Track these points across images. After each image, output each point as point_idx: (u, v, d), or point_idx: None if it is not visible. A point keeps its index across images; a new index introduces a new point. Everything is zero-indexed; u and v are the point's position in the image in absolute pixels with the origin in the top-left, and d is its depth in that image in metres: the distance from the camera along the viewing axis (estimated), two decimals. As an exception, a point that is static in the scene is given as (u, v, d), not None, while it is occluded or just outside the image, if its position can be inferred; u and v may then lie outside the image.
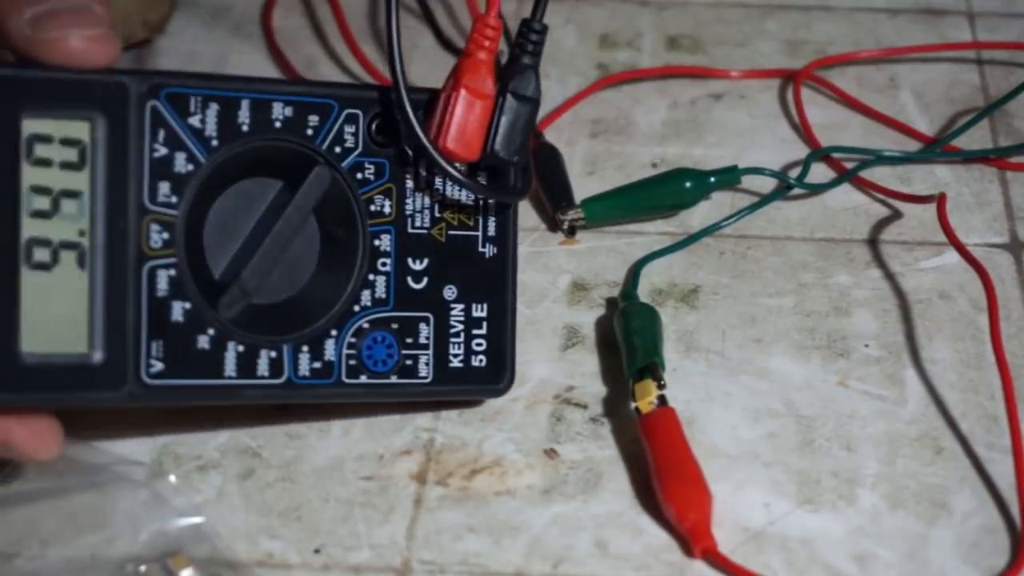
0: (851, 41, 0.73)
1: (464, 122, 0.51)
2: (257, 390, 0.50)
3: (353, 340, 0.51)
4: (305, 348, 0.51)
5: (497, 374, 0.54)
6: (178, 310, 0.49)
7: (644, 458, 0.52)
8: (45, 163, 0.47)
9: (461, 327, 0.53)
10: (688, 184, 0.63)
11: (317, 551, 0.50)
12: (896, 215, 0.64)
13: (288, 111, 0.50)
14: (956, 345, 0.58)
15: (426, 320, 0.53)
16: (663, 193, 0.63)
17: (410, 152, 0.52)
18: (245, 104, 0.50)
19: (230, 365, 0.50)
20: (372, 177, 0.52)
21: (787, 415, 0.55)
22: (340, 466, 0.53)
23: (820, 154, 0.66)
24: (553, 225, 0.63)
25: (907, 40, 0.73)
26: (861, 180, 0.65)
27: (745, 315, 0.59)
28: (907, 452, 0.54)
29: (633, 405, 0.54)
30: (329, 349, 0.51)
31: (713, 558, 0.50)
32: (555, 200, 0.63)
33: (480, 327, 0.54)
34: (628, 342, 0.56)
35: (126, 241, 0.48)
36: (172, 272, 0.48)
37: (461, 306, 0.53)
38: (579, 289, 0.60)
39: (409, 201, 0.52)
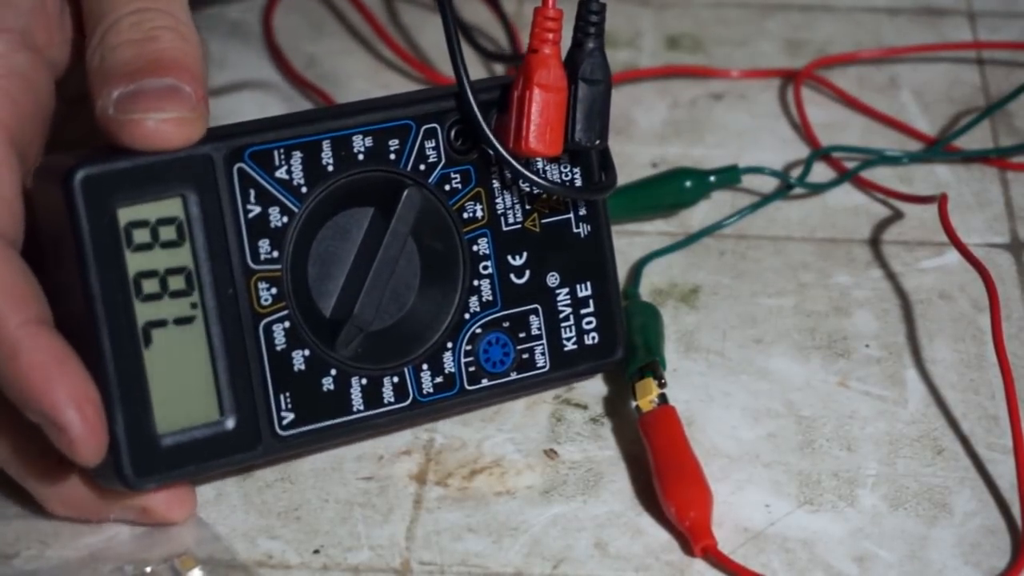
0: (851, 41, 0.73)
1: (543, 120, 0.51)
2: (386, 417, 0.51)
3: (469, 348, 0.52)
4: (425, 367, 0.51)
5: (611, 346, 0.54)
6: (299, 359, 0.49)
7: (644, 458, 0.52)
8: (146, 247, 0.47)
9: (570, 310, 0.54)
10: (688, 183, 0.63)
11: (316, 551, 0.50)
12: (896, 215, 0.64)
13: (368, 141, 0.50)
14: (957, 345, 0.58)
15: (535, 311, 0.53)
16: (663, 192, 0.63)
17: (492, 153, 0.52)
18: (326, 145, 0.50)
19: (357, 399, 0.50)
20: (460, 186, 0.52)
21: (787, 415, 0.55)
22: (339, 466, 0.53)
23: (821, 153, 0.66)
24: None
25: (907, 40, 0.73)
26: (862, 180, 0.65)
27: (745, 315, 0.59)
28: (908, 452, 0.53)
29: (634, 404, 0.54)
30: (448, 362, 0.52)
31: (713, 557, 0.49)
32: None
33: (587, 306, 0.54)
34: (629, 340, 0.56)
35: (237, 305, 0.48)
36: (286, 324, 0.49)
37: (566, 290, 0.54)
38: (579, 289, 0.60)
39: (499, 200, 0.53)
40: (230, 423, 0.48)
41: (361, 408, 0.51)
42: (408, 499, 0.52)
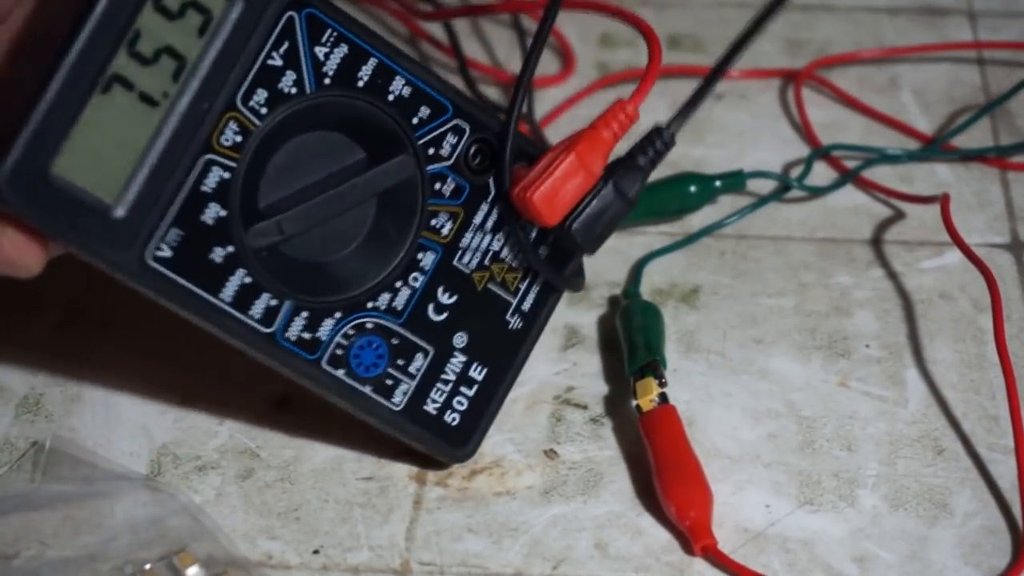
0: (852, 41, 0.73)
1: (560, 185, 0.50)
2: (242, 327, 0.48)
3: (351, 333, 0.50)
4: (304, 314, 0.49)
5: (464, 440, 0.52)
6: (212, 212, 0.47)
7: (644, 458, 0.52)
8: (167, 15, 0.46)
9: (453, 378, 0.52)
10: (693, 188, 0.63)
11: (316, 552, 0.50)
12: (897, 215, 0.63)
13: (406, 90, 0.50)
14: (957, 345, 0.57)
15: (425, 353, 0.51)
16: (669, 197, 0.63)
17: (492, 190, 0.51)
18: (372, 62, 0.49)
19: (230, 290, 0.48)
20: (447, 193, 0.51)
21: (788, 416, 0.55)
22: (339, 467, 0.53)
23: (822, 153, 0.66)
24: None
25: (908, 40, 0.73)
26: (862, 180, 0.65)
27: (746, 315, 0.59)
28: (908, 453, 0.53)
29: (634, 403, 0.53)
30: (325, 327, 0.50)
31: (714, 557, 0.49)
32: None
33: (470, 388, 0.52)
34: (630, 340, 0.56)
35: (200, 125, 0.47)
36: (226, 175, 0.47)
37: (463, 359, 0.52)
38: (579, 289, 0.60)
39: (468, 235, 0.51)
40: (117, 212, 0.46)
41: (228, 301, 0.48)
42: (408, 499, 0.52)
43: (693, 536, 0.50)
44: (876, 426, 0.54)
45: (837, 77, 0.71)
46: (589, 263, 0.61)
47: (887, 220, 0.63)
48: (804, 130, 0.68)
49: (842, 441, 0.54)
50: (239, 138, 0.47)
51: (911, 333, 0.58)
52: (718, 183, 0.63)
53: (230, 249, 0.48)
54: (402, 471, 0.53)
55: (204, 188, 0.47)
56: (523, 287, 0.53)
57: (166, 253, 0.47)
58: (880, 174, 0.65)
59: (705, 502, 0.50)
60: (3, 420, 0.55)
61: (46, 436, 0.54)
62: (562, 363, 0.57)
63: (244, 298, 0.48)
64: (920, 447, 0.54)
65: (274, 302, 0.49)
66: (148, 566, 0.49)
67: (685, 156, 0.66)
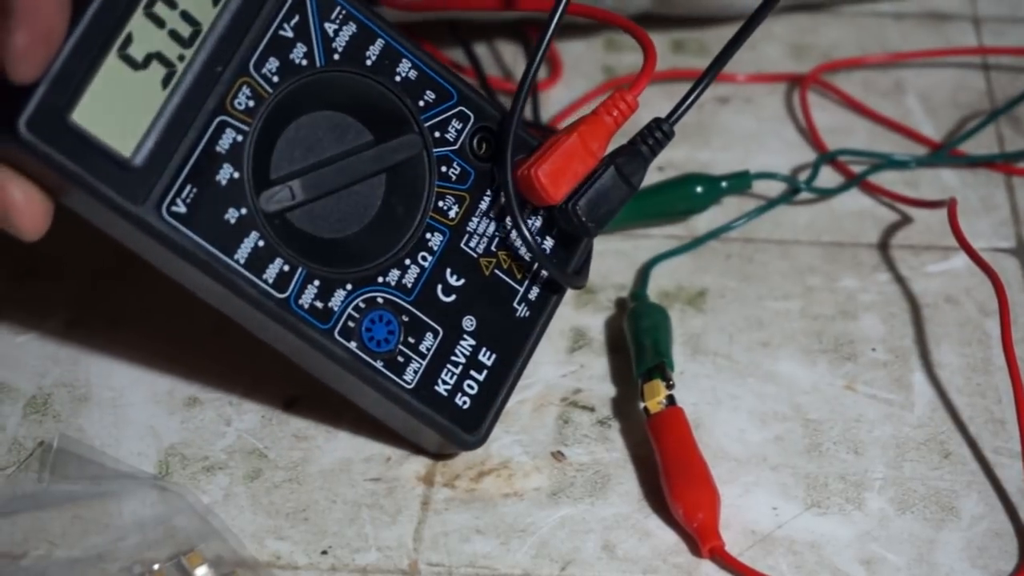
0: (857, 46, 0.73)
1: (564, 163, 0.51)
2: (255, 290, 0.49)
3: (362, 305, 0.50)
4: (317, 282, 0.50)
5: (475, 424, 0.52)
6: (225, 173, 0.48)
7: (652, 460, 0.52)
8: None
9: (463, 360, 0.52)
10: (699, 189, 0.63)
11: (324, 552, 0.50)
12: (903, 219, 0.64)
13: (412, 73, 0.51)
14: (963, 349, 0.58)
15: (435, 332, 0.52)
16: (675, 198, 0.63)
17: (497, 176, 0.52)
18: (380, 43, 0.51)
19: (244, 251, 0.48)
20: (454, 177, 0.52)
21: (794, 418, 0.55)
22: (347, 467, 0.53)
23: (829, 157, 0.66)
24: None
25: (913, 45, 0.73)
26: (868, 184, 0.65)
27: (752, 318, 0.59)
28: (914, 456, 0.54)
29: (642, 405, 0.54)
30: (337, 297, 0.50)
31: (721, 559, 0.50)
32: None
33: (480, 372, 0.52)
34: (637, 342, 0.56)
35: (213, 87, 0.48)
36: (239, 137, 0.48)
37: (472, 342, 0.52)
38: (586, 291, 0.60)
39: (475, 220, 0.52)
40: (134, 164, 0.47)
41: (240, 261, 0.48)
42: (416, 500, 0.52)
43: (701, 538, 0.50)
44: (883, 429, 0.54)
45: (842, 81, 0.71)
46: (596, 265, 0.61)
47: (893, 224, 0.63)
48: (810, 134, 0.68)
49: (849, 444, 0.54)
50: (251, 103, 0.49)
51: (917, 337, 0.58)
52: (724, 184, 0.63)
53: (243, 211, 0.49)
54: (410, 472, 0.53)
55: (218, 148, 0.48)
56: (529, 278, 0.53)
57: (181, 208, 0.48)
58: (886, 178, 0.65)
59: (713, 504, 0.50)
60: (11, 420, 0.55)
61: (54, 436, 0.54)
62: (569, 365, 0.57)
63: (258, 261, 0.49)
64: (927, 450, 0.54)
65: (287, 268, 0.49)
66: (157, 566, 0.49)
67: (691, 159, 0.67)
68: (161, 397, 0.56)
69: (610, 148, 0.52)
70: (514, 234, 0.53)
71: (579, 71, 0.72)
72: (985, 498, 0.52)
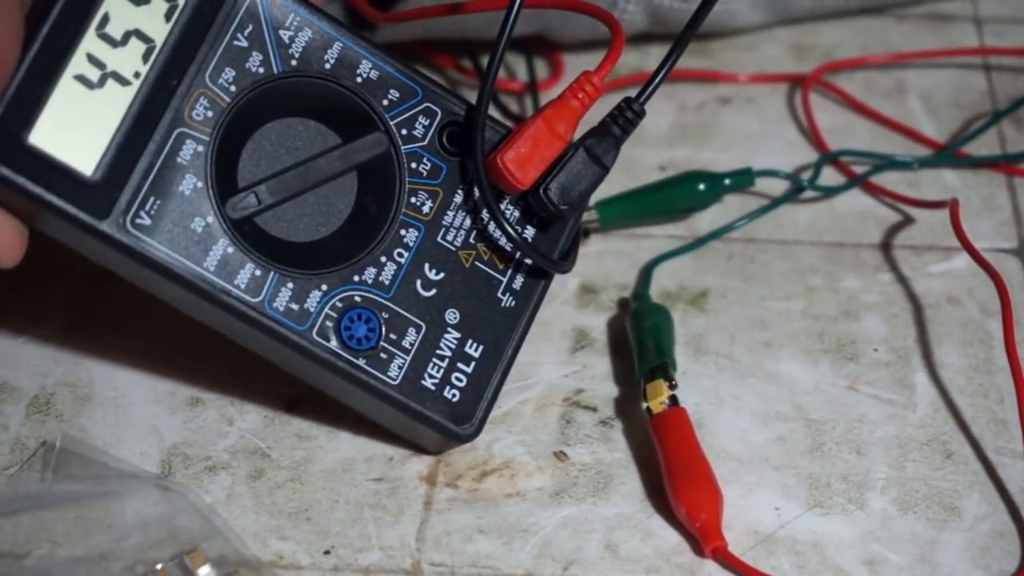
0: (859, 46, 0.73)
1: (530, 148, 0.51)
2: (227, 296, 0.49)
3: (339, 305, 0.50)
4: (290, 285, 0.50)
5: (465, 416, 0.52)
6: (189, 183, 0.49)
7: (654, 460, 0.52)
8: (134, 0, 0.48)
9: (448, 354, 0.52)
10: (702, 186, 0.63)
11: (327, 552, 0.50)
12: (905, 220, 0.64)
13: (374, 74, 0.51)
14: (965, 349, 0.58)
15: (418, 328, 0.52)
16: (677, 195, 0.63)
17: (470, 170, 0.52)
18: (337, 46, 0.51)
19: (213, 258, 0.49)
20: (425, 173, 0.52)
21: (796, 419, 0.55)
22: (350, 467, 0.53)
23: (831, 158, 0.66)
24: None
25: (914, 45, 0.73)
26: (870, 185, 0.65)
27: (754, 319, 0.59)
28: (917, 456, 0.54)
29: (644, 405, 0.54)
30: (313, 298, 0.50)
31: (724, 559, 0.50)
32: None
33: (467, 364, 0.52)
34: (640, 342, 0.56)
35: (170, 100, 0.49)
36: (199, 147, 0.49)
37: (457, 335, 0.52)
38: (588, 292, 0.60)
39: (450, 214, 0.52)
40: (94, 182, 0.47)
41: (210, 269, 0.49)
42: (418, 500, 0.52)
43: (703, 538, 0.50)
44: (885, 429, 0.55)
45: (844, 82, 0.71)
46: (598, 265, 0.61)
47: (895, 225, 0.63)
48: (811, 134, 0.68)
49: (851, 444, 0.54)
50: (210, 113, 0.49)
51: (919, 337, 0.58)
52: (727, 181, 0.63)
53: (209, 219, 0.49)
54: (412, 472, 0.53)
55: (179, 160, 0.49)
56: (511, 268, 0.53)
57: (145, 220, 0.48)
58: (887, 179, 0.65)
59: (715, 504, 0.50)
60: (14, 420, 0.55)
61: (57, 436, 0.54)
62: (572, 365, 0.57)
63: (228, 268, 0.49)
64: (929, 451, 0.54)
65: (259, 272, 0.50)
66: (160, 566, 0.49)
67: (692, 160, 0.67)
68: (163, 397, 0.56)
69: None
70: (492, 225, 0.53)
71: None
72: (987, 498, 0.52)
